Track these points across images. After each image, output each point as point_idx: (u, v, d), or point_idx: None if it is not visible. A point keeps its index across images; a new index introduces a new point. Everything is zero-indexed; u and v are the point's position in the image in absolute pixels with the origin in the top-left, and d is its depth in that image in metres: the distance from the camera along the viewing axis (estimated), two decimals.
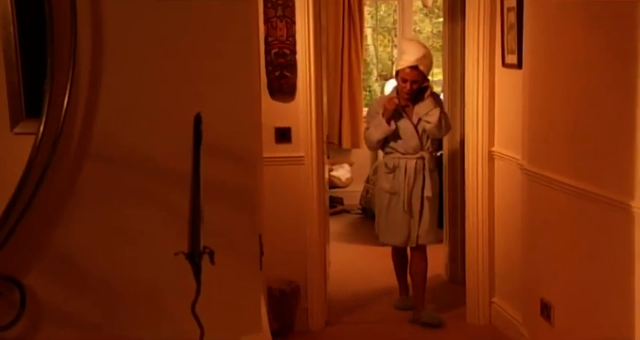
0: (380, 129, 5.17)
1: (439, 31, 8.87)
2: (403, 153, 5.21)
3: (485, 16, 4.96)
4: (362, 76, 9.20)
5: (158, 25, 1.75)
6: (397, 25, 9.64)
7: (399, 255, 5.59)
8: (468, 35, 5.09)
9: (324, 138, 5.62)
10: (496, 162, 5.05)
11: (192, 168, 1.55)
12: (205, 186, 1.78)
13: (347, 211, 8.76)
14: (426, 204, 5.23)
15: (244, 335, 1.84)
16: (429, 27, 10.55)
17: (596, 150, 3.55)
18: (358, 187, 8.56)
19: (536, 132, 4.26)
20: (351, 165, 8.93)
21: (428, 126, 5.15)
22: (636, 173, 3.14)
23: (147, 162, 1.75)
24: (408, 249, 5.45)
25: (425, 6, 8.19)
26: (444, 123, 5.18)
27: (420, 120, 5.17)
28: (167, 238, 1.72)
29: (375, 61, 10.41)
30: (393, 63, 9.87)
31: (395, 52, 9.77)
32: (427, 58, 5.12)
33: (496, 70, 4.99)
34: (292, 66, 4.94)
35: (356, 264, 6.77)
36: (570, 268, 3.88)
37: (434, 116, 5.11)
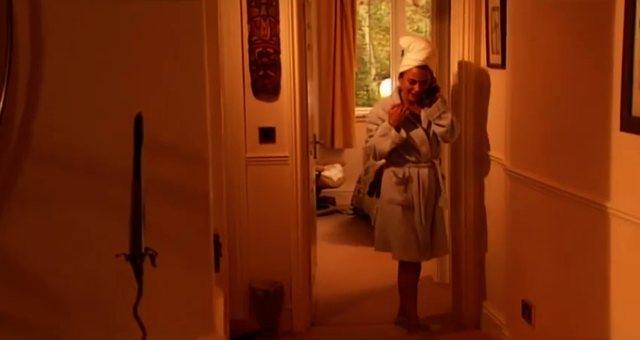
0: (389, 138, 4.73)
1: None
2: (415, 162, 4.83)
3: (471, 15, 4.93)
4: (354, 76, 9.18)
5: (101, 24, 1.73)
6: (391, 24, 9.63)
7: (412, 272, 5.10)
8: (454, 35, 5.06)
9: (312, 138, 5.60)
10: (482, 162, 5.02)
11: (133, 168, 1.53)
12: (156, 187, 1.77)
13: (339, 211, 8.75)
14: (438, 214, 4.93)
15: (196, 336, 1.82)
16: (429, 26, 10.52)
17: (574, 152, 3.53)
18: (350, 187, 8.53)
19: (518, 133, 4.24)
20: (343, 165, 8.91)
21: (440, 131, 4.75)
22: (611, 174, 3.12)
23: (90, 161, 1.73)
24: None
25: (415, 5, 8.16)
26: (456, 126, 4.81)
27: (429, 124, 4.77)
28: (113, 239, 1.70)
29: (373, 60, 10.40)
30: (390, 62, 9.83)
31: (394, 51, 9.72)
32: (435, 56, 4.83)
33: (481, 70, 4.97)
34: (276, 65, 4.91)
35: (345, 265, 6.75)
36: (550, 269, 3.86)
37: (447, 119, 4.72)
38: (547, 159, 3.86)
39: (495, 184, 4.78)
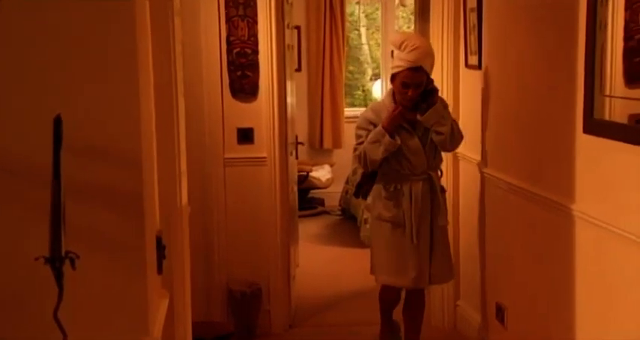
0: (382, 145, 4.17)
1: None
2: (408, 174, 4.24)
3: (450, 16, 4.92)
4: (343, 76, 9.16)
5: (24, 21, 1.71)
6: (381, 24, 9.63)
7: (393, 295, 4.58)
8: (433, 36, 5.04)
9: (293, 139, 5.59)
10: (460, 163, 5.00)
11: (52, 170, 1.51)
12: (86, 189, 1.75)
13: (327, 212, 8.73)
14: (438, 234, 4.31)
15: (127, 339, 1.80)
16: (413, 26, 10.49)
17: (544, 154, 3.51)
18: (339, 188, 8.51)
19: (493, 135, 4.23)
20: (331, 165, 8.89)
21: (439, 139, 4.18)
22: (576, 176, 3.10)
23: (11, 162, 1.71)
24: None
25: (402, 5, 8.14)
26: (457, 133, 4.26)
27: (425, 131, 4.23)
28: (36, 241, 1.68)
29: (369, 60, 10.36)
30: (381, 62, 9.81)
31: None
32: (431, 55, 4.21)
33: (460, 71, 4.95)
34: (254, 65, 4.90)
35: (329, 266, 6.74)
36: (522, 271, 3.84)
37: (446, 125, 4.16)
38: (520, 161, 3.84)
39: (470, 185, 4.76)
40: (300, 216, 8.29)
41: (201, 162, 4.96)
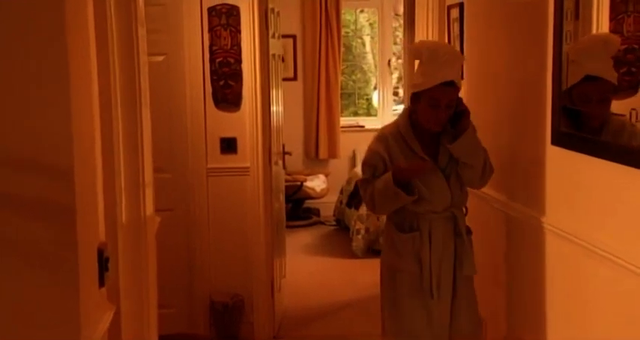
0: (396, 200, 3.33)
1: None
2: (425, 213, 3.41)
3: (435, 26, 4.88)
4: (339, 85, 9.12)
5: None
6: (378, 33, 9.61)
7: None
8: None
9: (279, 148, 5.55)
10: None
11: None
12: (17, 202, 1.72)
13: (322, 223, 8.67)
14: (463, 285, 3.48)
15: None
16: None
17: (519, 167, 3.48)
18: (335, 198, 8.46)
19: None
20: (327, 175, 8.85)
21: (469, 174, 3.39)
22: (546, 189, 3.06)
23: None
24: None
25: (396, 14, 8.13)
26: (489, 167, 3.46)
27: (449, 160, 3.40)
28: None
29: (373, 68, 10.30)
30: (377, 72, 9.78)
31: (394, 60, 9.67)
32: (461, 68, 3.44)
33: None
34: (237, 75, 4.87)
35: (319, 277, 6.68)
36: (499, 283, 3.79)
37: (479, 157, 3.37)
38: (498, 173, 3.79)
39: None
40: (294, 226, 8.30)
41: (183, 172, 4.93)
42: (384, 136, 3.46)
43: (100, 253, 2.08)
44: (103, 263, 2.09)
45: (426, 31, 4.93)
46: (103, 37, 2.23)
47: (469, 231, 3.52)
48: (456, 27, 4.56)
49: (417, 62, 3.44)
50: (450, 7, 4.66)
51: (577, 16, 2.88)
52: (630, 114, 2.45)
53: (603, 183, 2.58)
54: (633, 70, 2.61)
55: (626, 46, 2.65)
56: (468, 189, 3.53)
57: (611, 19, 2.74)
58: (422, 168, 3.29)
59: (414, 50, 3.51)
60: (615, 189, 2.51)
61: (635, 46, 2.60)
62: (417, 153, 3.35)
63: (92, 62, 2.14)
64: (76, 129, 1.81)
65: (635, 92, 2.53)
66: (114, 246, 2.28)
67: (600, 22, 2.80)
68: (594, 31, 2.78)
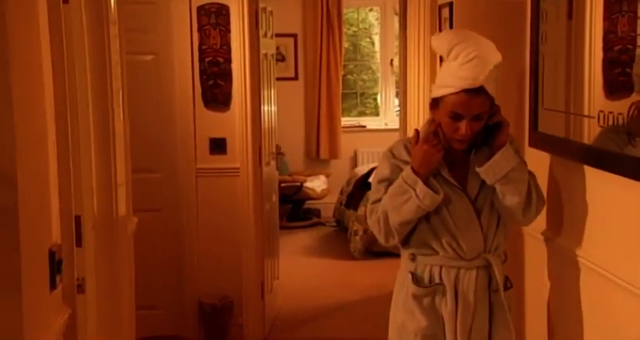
0: (413, 198, 2.52)
1: None
2: (452, 258, 2.61)
3: (426, 25, 4.83)
4: (340, 85, 9.05)
5: None
6: (379, 31, 9.56)
7: None
8: (410, 46, 4.96)
9: (272, 148, 5.50)
10: None
11: None
12: None
13: (322, 224, 8.62)
14: None
15: None
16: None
17: None
18: (336, 199, 8.41)
19: None
20: (327, 176, 8.80)
21: (509, 204, 2.57)
22: None
23: None
24: None
25: (396, 14, 8.08)
26: (536, 196, 2.63)
27: (482, 189, 2.62)
28: None
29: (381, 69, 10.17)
30: (380, 73, 9.69)
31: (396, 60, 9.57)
32: (497, 68, 2.50)
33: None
34: (226, 75, 4.83)
35: (314, 279, 6.62)
36: None
37: (521, 183, 2.56)
38: None
39: None
40: (294, 227, 8.26)
41: (172, 172, 4.90)
42: (397, 153, 2.66)
43: (52, 255, 2.03)
44: (55, 265, 2.04)
45: (418, 29, 4.88)
46: (57, 35, 2.18)
47: (508, 286, 2.69)
48: (446, 26, 4.50)
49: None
50: (441, 7, 4.61)
51: (570, 16, 2.83)
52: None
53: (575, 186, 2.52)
54: (628, 70, 2.54)
55: (620, 46, 2.59)
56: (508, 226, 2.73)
57: (604, 19, 2.68)
58: (431, 150, 2.52)
59: (437, 44, 2.66)
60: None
61: (630, 46, 2.54)
62: (443, 176, 2.58)
63: (45, 64, 2.10)
64: (20, 132, 1.78)
65: (631, 93, 2.45)
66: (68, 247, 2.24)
67: (594, 21, 2.74)
68: (588, 31, 2.71)
